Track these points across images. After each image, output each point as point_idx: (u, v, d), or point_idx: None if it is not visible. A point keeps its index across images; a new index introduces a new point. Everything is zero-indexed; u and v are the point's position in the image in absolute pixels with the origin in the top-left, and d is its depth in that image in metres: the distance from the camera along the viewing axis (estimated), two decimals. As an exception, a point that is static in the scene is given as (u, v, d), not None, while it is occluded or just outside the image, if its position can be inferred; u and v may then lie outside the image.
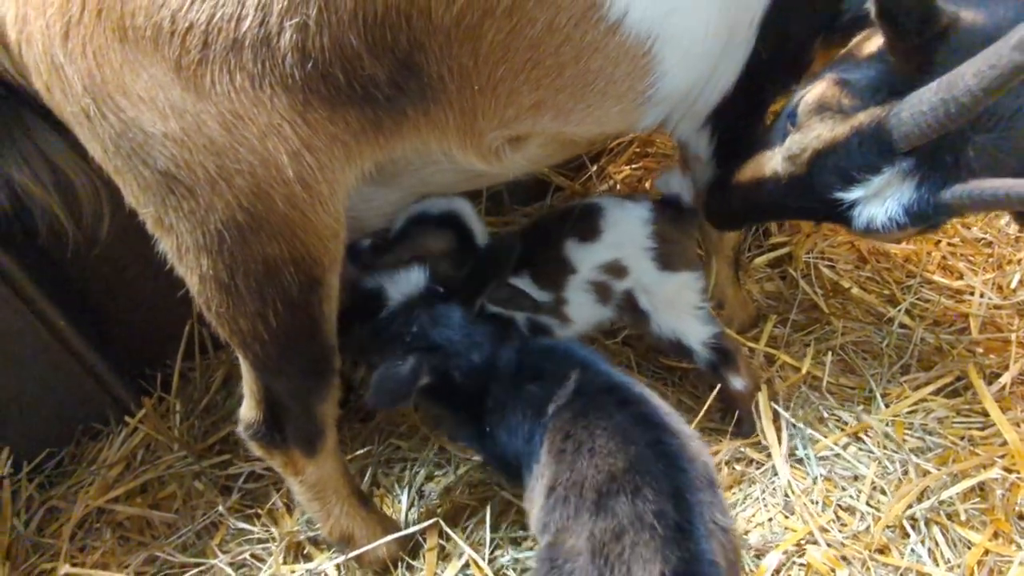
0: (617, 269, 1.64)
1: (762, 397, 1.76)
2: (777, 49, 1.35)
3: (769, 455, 1.71)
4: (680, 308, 1.67)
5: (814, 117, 1.21)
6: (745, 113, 1.49)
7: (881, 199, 1.17)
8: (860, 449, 1.73)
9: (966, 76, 0.97)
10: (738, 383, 1.71)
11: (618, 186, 2.40)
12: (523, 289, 1.53)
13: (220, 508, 1.66)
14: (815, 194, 1.24)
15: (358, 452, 1.76)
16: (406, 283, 1.36)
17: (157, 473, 1.77)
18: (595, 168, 2.37)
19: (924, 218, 1.16)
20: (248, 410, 1.33)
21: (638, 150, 2.46)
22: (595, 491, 0.96)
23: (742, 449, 1.74)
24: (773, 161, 1.34)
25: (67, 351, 1.77)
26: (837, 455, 1.70)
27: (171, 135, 0.94)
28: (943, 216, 1.16)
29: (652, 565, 0.87)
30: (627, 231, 1.63)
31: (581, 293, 1.65)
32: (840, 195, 1.19)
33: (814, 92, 1.23)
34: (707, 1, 1.21)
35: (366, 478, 1.72)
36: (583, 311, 1.67)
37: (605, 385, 1.15)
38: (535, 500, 1.08)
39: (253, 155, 0.96)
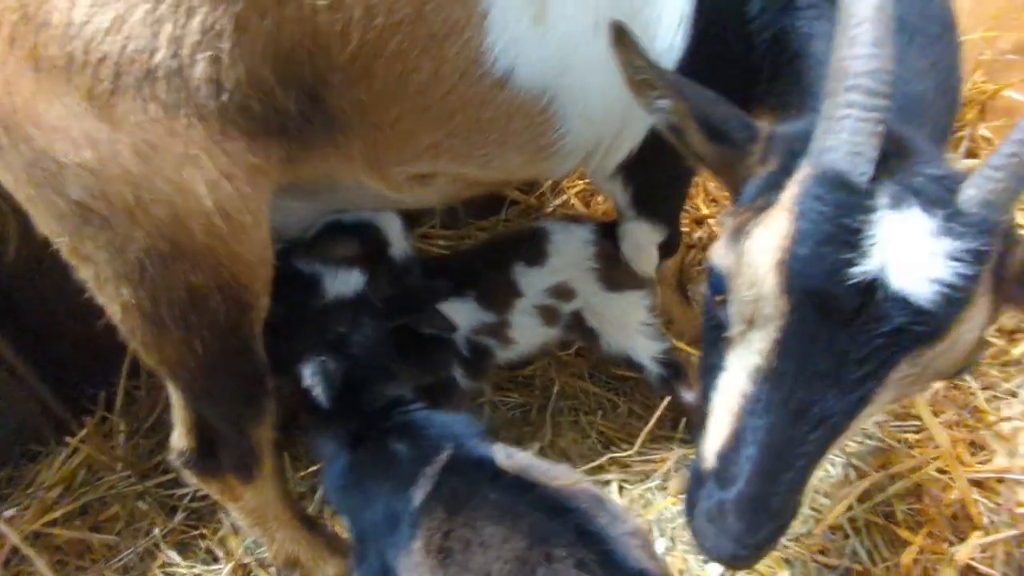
0: (564, 292, 1.68)
1: (710, 405, 1.80)
2: None
3: (717, 461, 1.74)
4: (628, 326, 1.71)
5: (738, 246, 0.90)
6: (657, 163, 1.42)
7: (911, 246, 0.81)
8: (804, 454, 1.78)
9: (844, 56, 0.84)
10: (688, 395, 1.75)
11: (572, 200, 2.44)
12: (444, 314, 1.52)
13: (156, 532, 1.62)
14: (836, 307, 0.81)
15: (311, 469, 1.74)
16: (344, 282, 1.35)
17: (98, 495, 1.72)
18: (549, 182, 2.40)
19: (984, 232, 0.81)
20: (180, 438, 1.31)
21: (591, 164, 2.50)
22: None
23: (691, 456, 1.78)
24: (735, 364, 0.91)
25: (4, 369, 1.71)
26: (782, 460, 1.75)
27: (85, 165, 0.93)
28: (996, 218, 0.82)
29: None
30: (572, 254, 1.67)
31: (526, 316, 1.68)
32: (859, 271, 0.80)
33: (716, 243, 0.97)
34: (603, 63, 1.16)
35: (316, 496, 1.70)
36: (527, 333, 1.71)
37: (472, 463, 1.10)
38: None
39: (169, 185, 0.96)
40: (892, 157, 0.87)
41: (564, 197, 2.45)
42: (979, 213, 0.81)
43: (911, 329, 0.80)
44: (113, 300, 1.05)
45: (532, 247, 1.67)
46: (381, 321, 1.32)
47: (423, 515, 1.05)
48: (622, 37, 0.97)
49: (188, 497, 1.71)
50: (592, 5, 1.16)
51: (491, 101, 1.17)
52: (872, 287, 0.80)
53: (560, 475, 1.08)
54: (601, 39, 1.15)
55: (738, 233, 0.91)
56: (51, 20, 0.90)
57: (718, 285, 0.92)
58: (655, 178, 1.53)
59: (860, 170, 0.83)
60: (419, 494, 1.07)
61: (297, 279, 1.33)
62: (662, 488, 1.73)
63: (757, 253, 0.87)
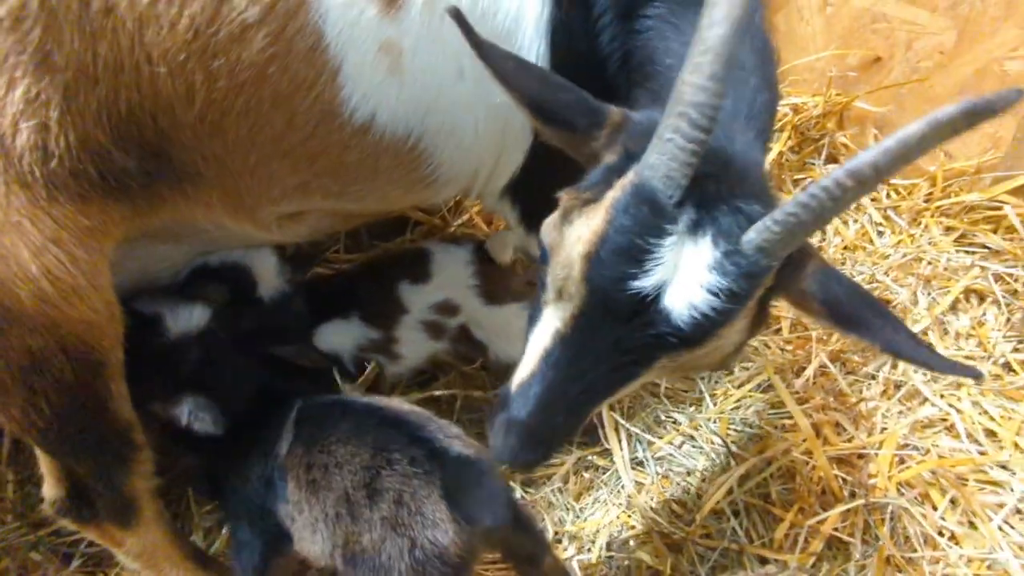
0: (449, 308, 1.76)
1: (604, 407, 1.91)
2: None
3: (613, 460, 1.85)
4: (512, 335, 1.79)
5: (564, 227, 1.01)
6: (542, 182, 1.38)
7: (687, 272, 0.92)
8: (692, 446, 1.91)
9: (685, 80, 0.88)
10: None
11: (474, 219, 2.52)
12: (314, 348, 1.58)
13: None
14: (615, 308, 0.93)
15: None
16: (187, 318, 1.37)
17: (-12, 549, 1.66)
18: (452, 202, 2.48)
19: (750, 276, 0.91)
20: (50, 488, 1.29)
21: (490, 183, 2.59)
22: (363, 488, 1.10)
23: (589, 457, 1.88)
24: (546, 321, 1.02)
25: None
26: (672, 454, 1.87)
27: None
28: (767, 264, 0.91)
29: (432, 495, 1.09)
30: (453, 272, 1.76)
31: (413, 331, 1.75)
32: (637, 285, 0.91)
33: (552, 215, 1.06)
34: (471, 104, 1.24)
35: (223, 532, 1.70)
36: (414, 348, 1.78)
37: (323, 405, 1.28)
38: (305, 536, 1.16)
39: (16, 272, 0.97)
40: (711, 181, 0.95)
41: (466, 216, 2.53)
42: (753, 257, 0.91)
43: (668, 339, 0.94)
44: None
45: (416, 267, 1.75)
46: (234, 353, 1.35)
47: (289, 461, 1.21)
48: (460, 21, 1.00)
49: (84, 543, 1.67)
50: (452, 53, 1.21)
51: (354, 145, 1.22)
52: (646, 299, 0.93)
53: (395, 403, 1.28)
54: (467, 83, 1.22)
55: (567, 215, 1.02)
56: None
57: (544, 256, 1.05)
58: (541, 196, 1.59)
59: (669, 193, 0.92)
60: (283, 446, 1.23)
61: (139, 321, 1.32)
62: (561, 490, 1.82)
63: (573, 241, 0.98)
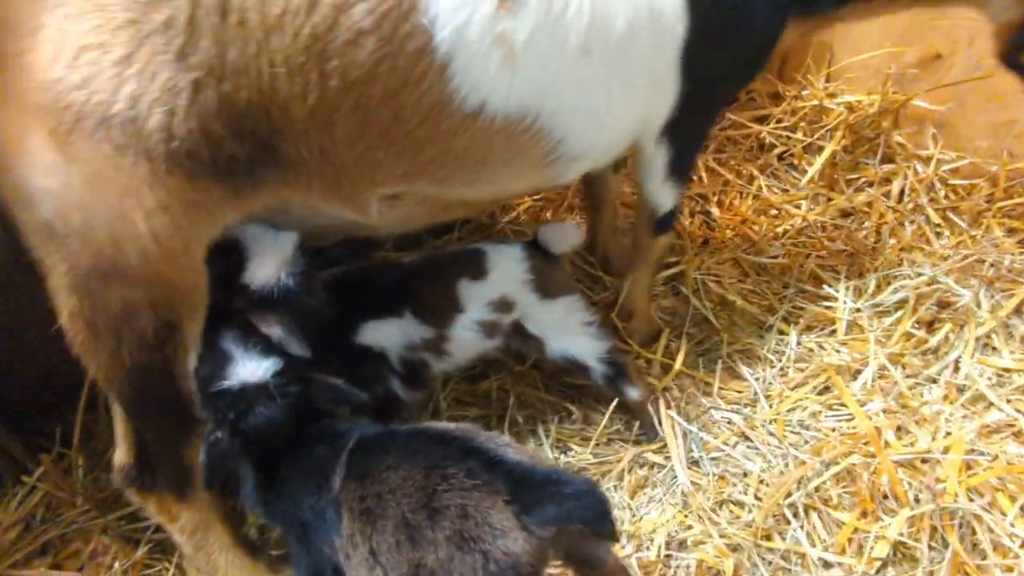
0: (504, 304, 1.76)
1: (660, 404, 1.90)
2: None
3: (668, 458, 1.84)
4: (570, 329, 1.80)
5: None
6: (696, 123, 1.63)
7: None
8: (748, 447, 1.89)
9: None
10: (633, 392, 1.85)
11: (521, 216, 2.53)
12: (341, 386, 1.43)
13: (118, 566, 1.60)
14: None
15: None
16: (253, 369, 1.31)
17: (59, 531, 1.71)
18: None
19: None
20: (121, 455, 1.42)
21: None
22: (422, 509, 1.07)
23: (644, 455, 1.87)
24: None
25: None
26: (728, 454, 1.86)
27: (49, 191, 1.10)
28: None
29: (497, 504, 1.05)
30: (507, 269, 1.76)
31: (466, 330, 1.75)
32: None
33: None
34: (595, 77, 1.27)
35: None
36: (465, 346, 1.78)
37: (377, 435, 1.26)
38: (361, 570, 1.14)
39: (111, 212, 1.10)
40: None
41: (513, 214, 2.54)
42: None
43: None
44: (64, 307, 1.19)
45: (472, 264, 1.75)
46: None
47: (343, 495, 1.19)
48: None
49: (150, 530, 1.71)
50: (576, 32, 1.23)
51: (464, 131, 1.25)
52: None
53: (443, 424, 1.27)
54: (593, 60, 1.24)
55: None
56: (34, 74, 1.05)
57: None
58: (693, 135, 1.65)
59: None
60: (336, 480, 1.21)
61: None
62: (617, 488, 1.81)
63: None
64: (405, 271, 1.83)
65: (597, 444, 1.86)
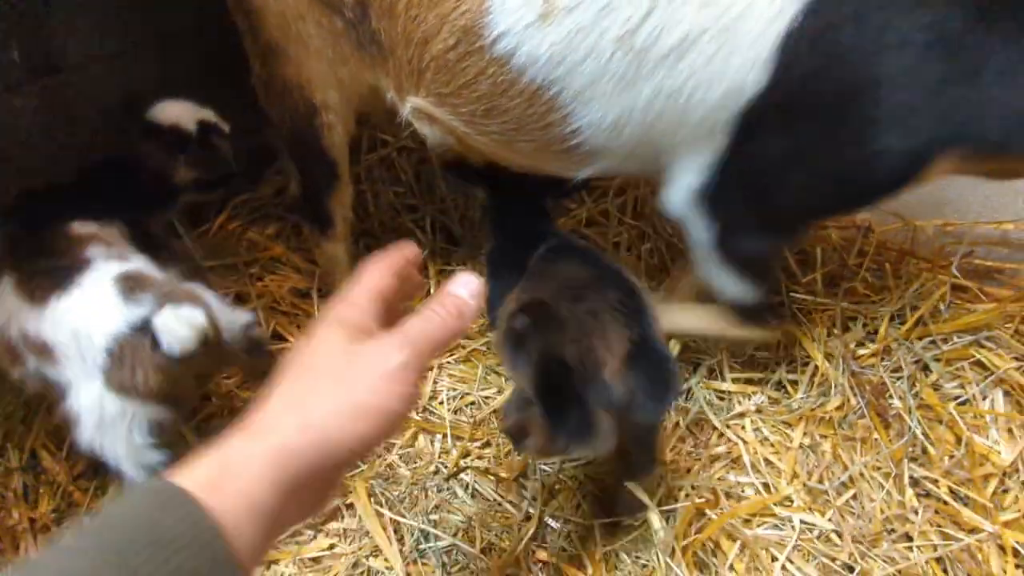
0: None
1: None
2: None
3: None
4: None
5: None
6: (762, 183, 1.32)
7: None
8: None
9: None
10: None
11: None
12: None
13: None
14: None
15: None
16: None
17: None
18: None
19: None
20: (293, 185, 1.79)
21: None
22: (569, 288, 1.22)
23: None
24: None
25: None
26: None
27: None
28: None
29: (622, 337, 1.14)
30: None
31: None
32: None
33: None
34: (626, 77, 1.21)
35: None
36: None
37: (579, 245, 1.45)
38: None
39: (281, 19, 1.40)
40: None
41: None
42: None
43: None
44: (253, 68, 1.52)
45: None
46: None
47: (532, 263, 1.36)
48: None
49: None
50: (627, 18, 1.15)
51: (489, 73, 1.28)
52: None
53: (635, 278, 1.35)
54: (626, 55, 1.17)
55: None
56: None
57: None
58: (747, 227, 1.34)
59: None
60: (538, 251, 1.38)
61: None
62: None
63: None
64: None
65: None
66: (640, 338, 1.15)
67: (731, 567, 1.36)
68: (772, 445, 1.57)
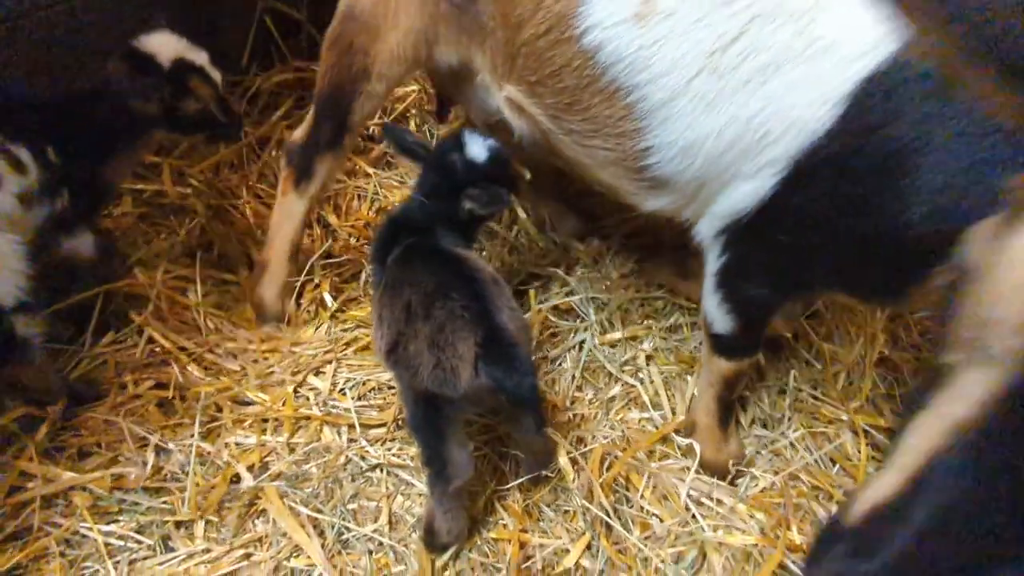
0: None
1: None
2: None
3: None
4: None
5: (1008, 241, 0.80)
6: (774, 244, 1.27)
7: None
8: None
9: None
10: None
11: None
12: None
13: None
14: None
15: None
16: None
17: None
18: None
19: None
20: (299, 131, 1.77)
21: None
22: (421, 306, 1.31)
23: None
24: (941, 402, 0.78)
25: None
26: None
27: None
28: None
29: (468, 338, 1.26)
30: None
31: None
32: None
33: (989, 220, 0.90)
34: (708, 96, 1.17)
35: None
36: None
37: (427, 246, 1.49)
38: (377, 326, 1.42)
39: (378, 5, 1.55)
40: None
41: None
42: None
43: None
44: (330, 28, 1.64)
45: None
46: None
47: (390, 268, 1.46)
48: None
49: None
50: (722, 33, 1.12)
51: (575, 66, 1.26)
52: None
53: (476, 259, 1.46)
54: (712, 71, 1.12)
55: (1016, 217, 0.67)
56: None
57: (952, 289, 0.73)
58: (751, 266, 1.31)
59: None
60: (391, 258, 1.47)
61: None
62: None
63: None
64: None
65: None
66: (486, 335, 1.27)
67: (642, 496, 1.46)
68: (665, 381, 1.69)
